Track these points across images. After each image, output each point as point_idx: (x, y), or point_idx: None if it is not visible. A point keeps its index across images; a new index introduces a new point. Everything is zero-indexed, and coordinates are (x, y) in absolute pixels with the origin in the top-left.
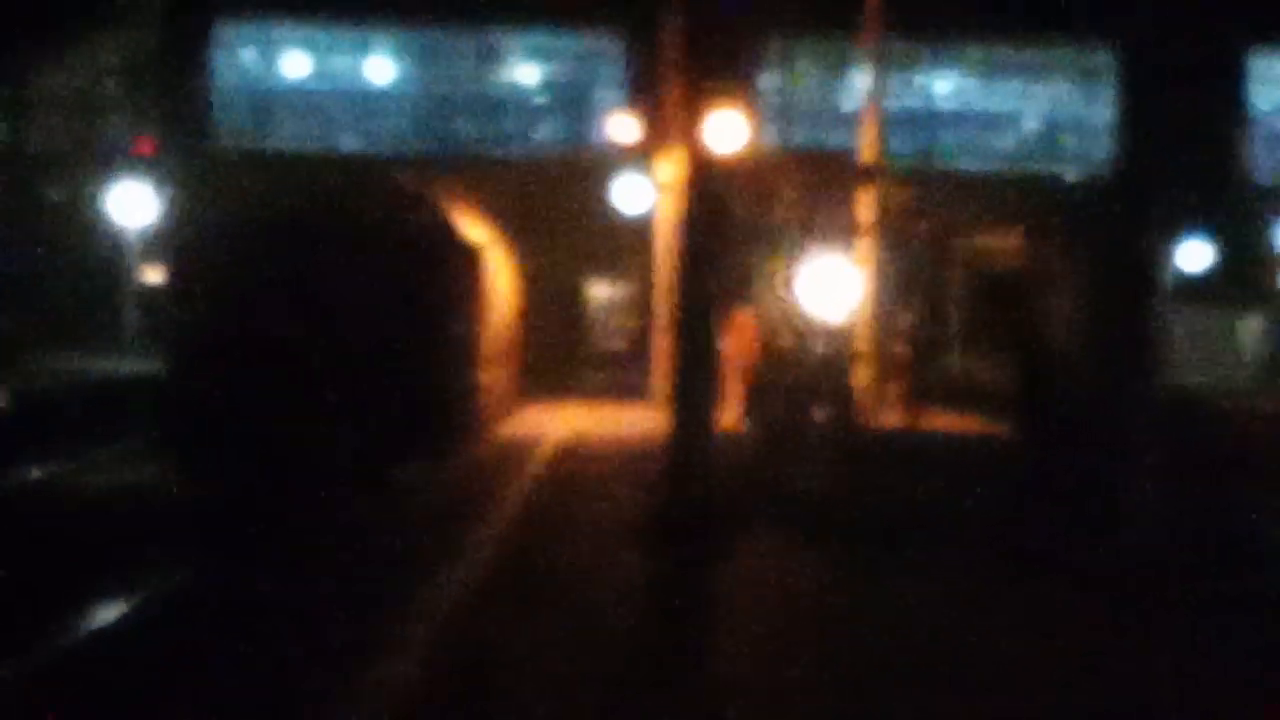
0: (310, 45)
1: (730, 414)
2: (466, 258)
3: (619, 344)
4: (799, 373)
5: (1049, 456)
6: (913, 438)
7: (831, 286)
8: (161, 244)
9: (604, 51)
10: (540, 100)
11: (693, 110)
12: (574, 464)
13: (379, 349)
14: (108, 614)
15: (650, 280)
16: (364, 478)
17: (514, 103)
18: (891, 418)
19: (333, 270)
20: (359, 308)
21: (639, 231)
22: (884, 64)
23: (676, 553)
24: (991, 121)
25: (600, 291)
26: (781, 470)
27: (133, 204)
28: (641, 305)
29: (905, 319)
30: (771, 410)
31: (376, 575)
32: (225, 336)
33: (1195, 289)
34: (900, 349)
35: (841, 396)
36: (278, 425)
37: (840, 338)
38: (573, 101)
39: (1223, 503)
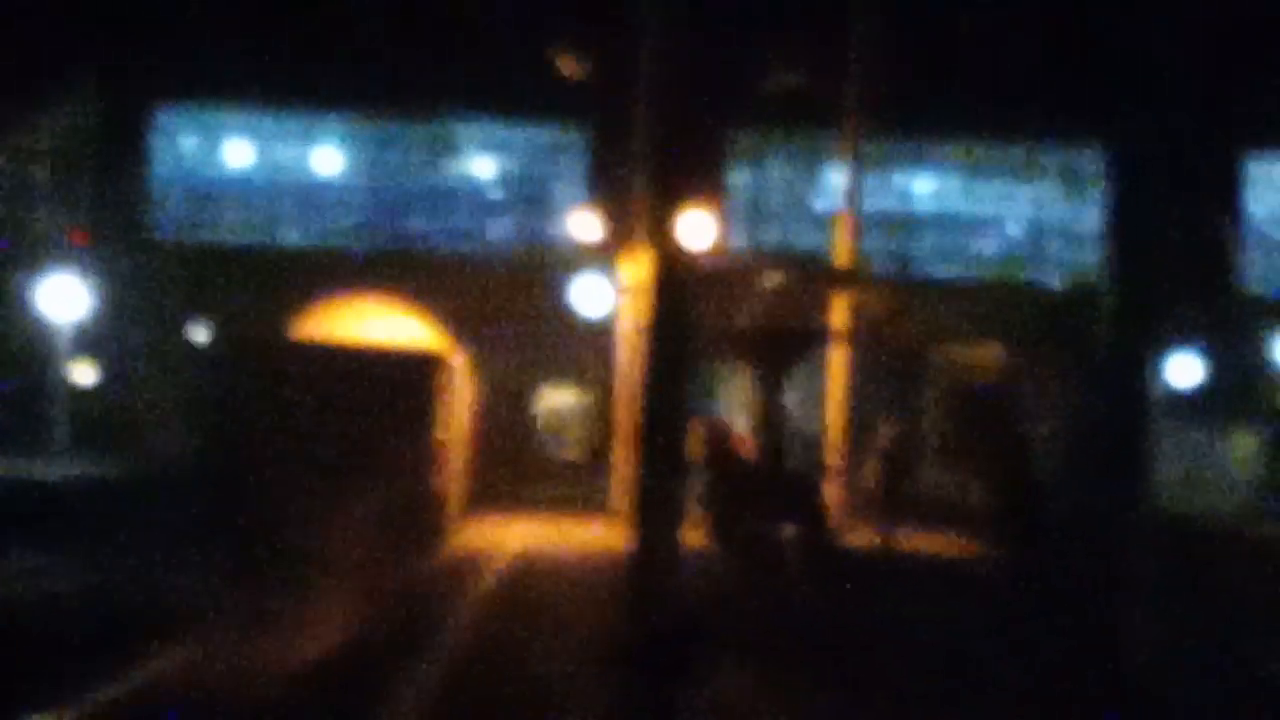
0: (254, 133)
1: (695, 529)
2: (432, 371)
3: (574, 454)
4: (768, 486)
5: (1031, 580)
6: (886, 557)
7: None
8: (92, 341)
9: (565, 145)
10: (496, 195)
11: (660, 208)
12: (529, 579)
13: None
14: None
15: (609, 387)
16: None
17: (468, 197)
18: (865, 536)
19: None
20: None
21: (597, 335)
22: (860, 163)
23: (638, 677)
24: (973, 225)
25: (555, 398)
26: (749, 590)
27: (64, 298)
28: (599, 413)
29: (880, 432)
30: (739, 526)
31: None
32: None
33: (1186, 405)
34: (874, 463)
35: (812, 512)
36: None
37: (812, 450)
38: (531, 197)
39: (1214, 629)
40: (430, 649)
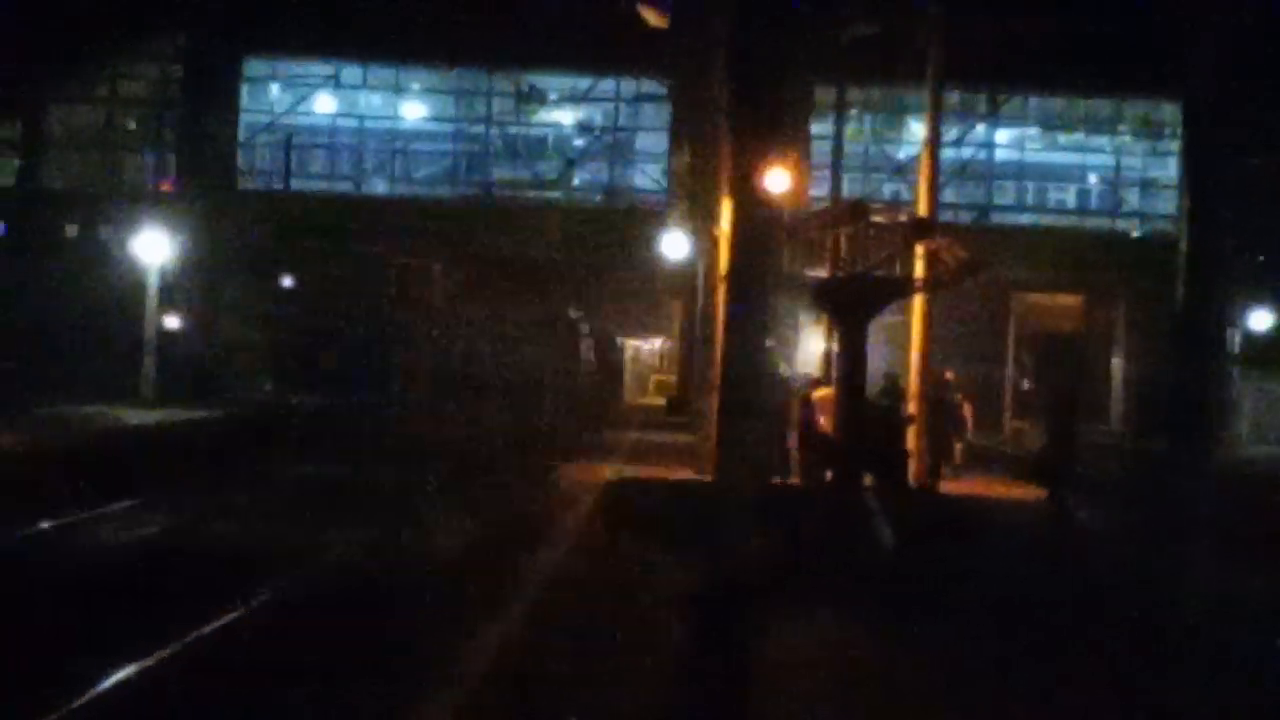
0: (340, 84)
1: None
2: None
3: (659, 399)
4: (852, 433)
5: (1096, 527)
6: (966, 503)
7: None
8: (182, 289)
9: (649, 96)
10: (581, 144)
11: (742, 158)
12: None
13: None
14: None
15: (691, 335)
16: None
17: (554, 146)
18: (945, 482)
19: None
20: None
21: (682, 284)
22: (941, 113)
23: (710, 622)
24: (1052, 175)
25: (643, 347)
26: (830, 533)
27: (153, 245)
28: (683, 362)
29: (962, 379)
30: (823, 471)
31: None
32: None
33: (1264, 354)
34: (955, 410)
35: (894, 459)
36: None
37: (894, 398)
38: (615, 147)
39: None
40: None
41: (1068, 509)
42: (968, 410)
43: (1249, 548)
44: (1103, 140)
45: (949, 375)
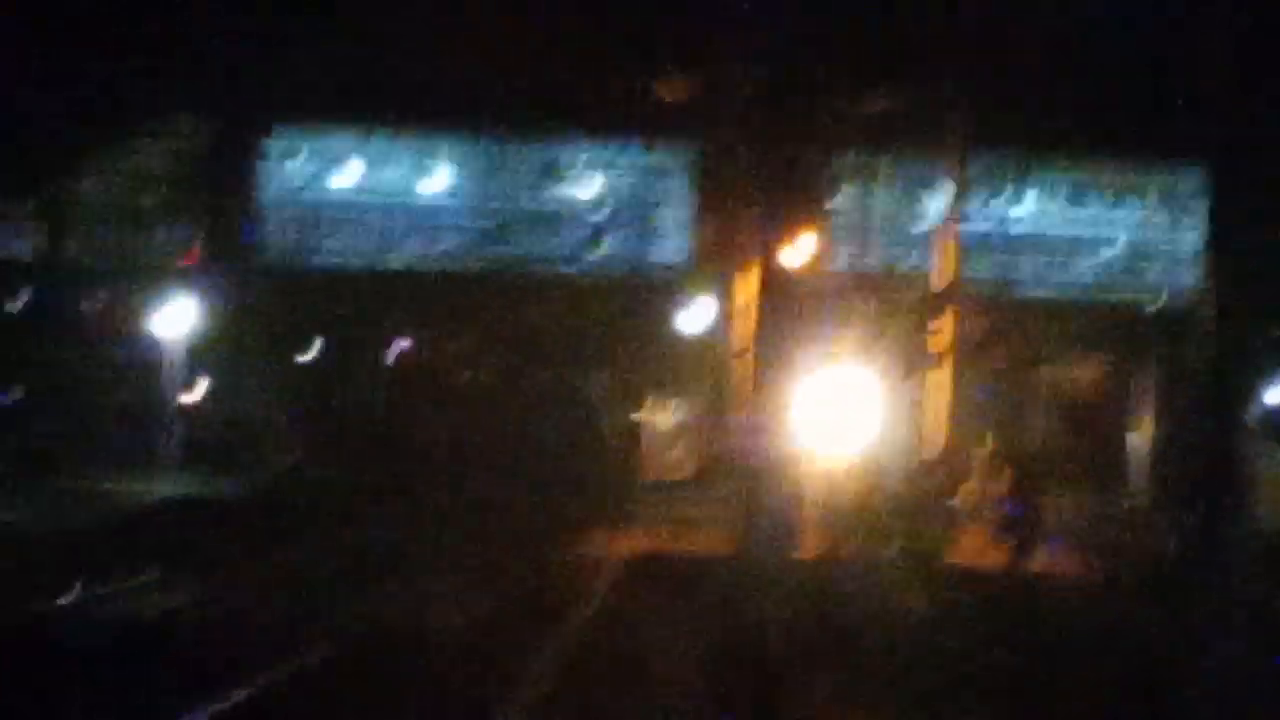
0: (361, 156)
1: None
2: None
3: (681, 473)
4: (878, 504)
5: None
6: (998, 578)
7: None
8: (202, 364)
9: (670, 168)
10: (601, 216)
11: (764, 230)
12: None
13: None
14: None
15: (712, 406)
16: None
17: (574, 219)
18: (976, 555)
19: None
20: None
21: (704, 356)
22: (961, 185)
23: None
24: (1072, 246)
25: (662, 419)
26: (855, 606)
27: (175, 319)
28: (706, 434)
29: (986, 451)
30: (852, 541)
31: None
32: None
33: None
34: (983, 483)
35: (923, 531)
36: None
37: (922, 468)
38: (635, 219)
39: None
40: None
41: (1028, 569)
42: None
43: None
44: (1122, 212)
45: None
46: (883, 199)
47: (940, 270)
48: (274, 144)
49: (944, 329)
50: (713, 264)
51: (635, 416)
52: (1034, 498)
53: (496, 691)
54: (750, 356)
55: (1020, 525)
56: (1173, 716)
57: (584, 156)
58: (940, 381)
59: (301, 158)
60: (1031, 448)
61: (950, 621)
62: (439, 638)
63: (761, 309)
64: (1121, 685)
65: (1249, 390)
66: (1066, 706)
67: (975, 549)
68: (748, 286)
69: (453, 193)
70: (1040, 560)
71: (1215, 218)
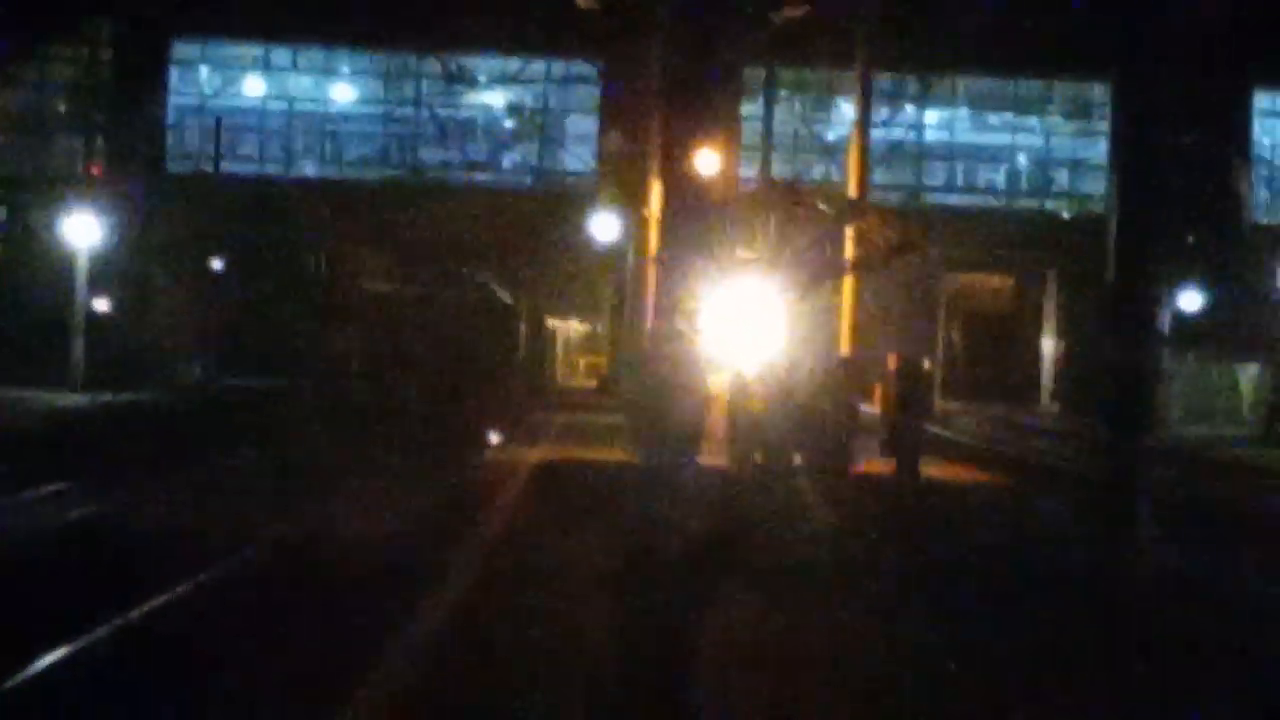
0: (270, 67)
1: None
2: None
3: (591, 380)
4: (780, 414)
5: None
6: (899, 485)
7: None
8: (110, 274)
9: (579, 78)
10: (511, 126)
11: (673, 140)
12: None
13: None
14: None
15: (621, 316)
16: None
17: (483, 128)
18: (875, 464)
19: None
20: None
21: (613, 264)
22: (871, 95)
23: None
24: (982, 156)
25: (573, 329)
26: (755, 514)
27: (81, 230)
28: (612, 342)
29: (890, 361)
30: (751, 451)
31: None
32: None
33: (1194, 335)
34: (885, 391)
35: (824, 441)
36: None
37: (827, 377)
38: (545, 128)
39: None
40: None
41: (915, 477)
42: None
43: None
44: (1032, 121)
45: (925, 364)
46: (791, 109)
47: (850, 179)
48: (181, 51)
49: (853, 238)
50: (622, 173)
51: (548, 325)
52: (920, 409)
53: (392, 608)
54: (660, 265)
55: (904, 437)
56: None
57: (491, 66)
58: (848, 291)
59: (208, 66)
60: (928, 357)
61: (847, 527)
62: (341, 553)
63: (669, 218)
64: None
65: (1154, 298)
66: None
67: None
68: (654, 197)
69: (361, 102)
70: (941, 469)
71: (1121, 130)
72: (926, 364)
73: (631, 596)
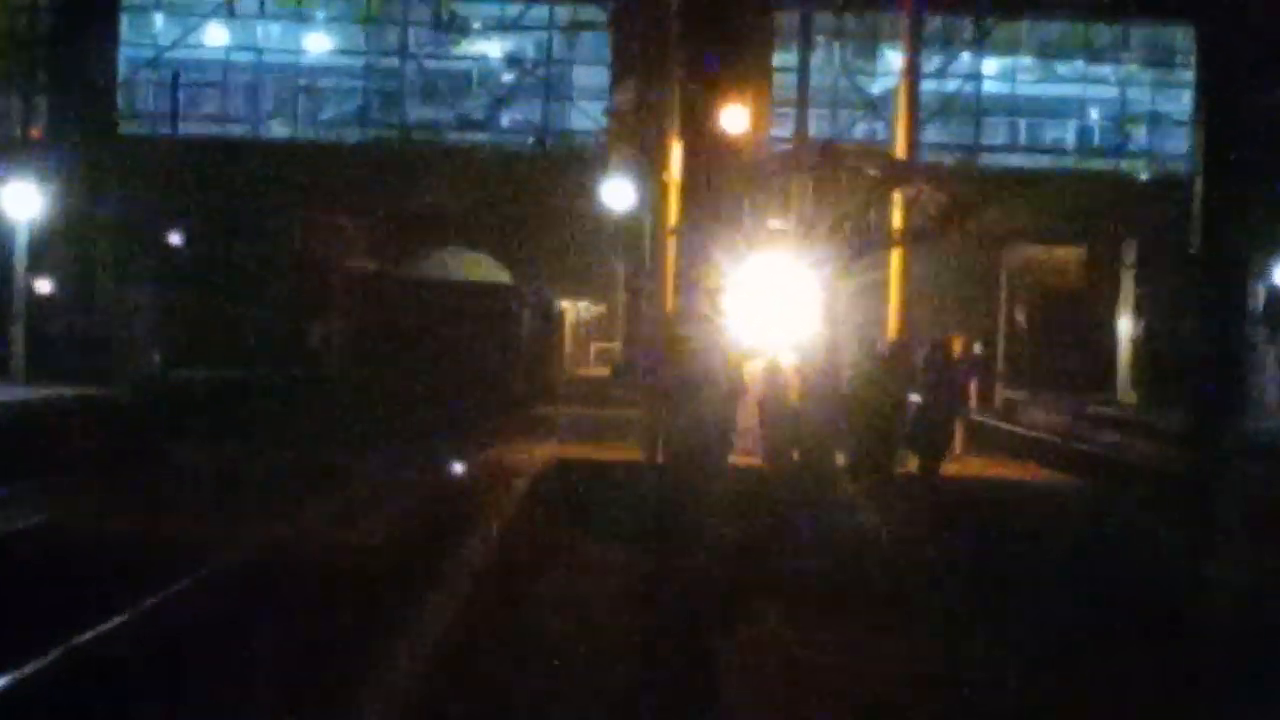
0: (234, 13)
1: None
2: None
3: (604, 368)
4: (822, 406)
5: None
6: (960, 485)
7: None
8: (53, 250)
9: (587, 23)
10: (510, 79)
11: (697, 94)
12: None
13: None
14: None
15: (637, 296)
16: None
17: (479, 82)
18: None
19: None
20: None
21: (623, 238)
22: (922, 41)
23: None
24: (1049, 110)
25: (578, 308)
26: (797, 520)
27: (22, 200)
28: (629, 326)
29: (948, 345)
30: (787, 449)
31: None
32: None
33: None
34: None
35: (870, 437)
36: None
37: (870, 365)
38: (549, 81)
39: None
40: None
41: (933, 475)
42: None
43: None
44: (1106, 70)
45: (976, 348)
46: (830, 58)
47: (898, 137)
48: None
49: (902, 205)
50: (637, 132)
51: (556, 307)
52: (950, 397)
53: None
54: (681, 238)
55: (933, 430)
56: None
57: (488, 11)
58: (897, 266)
59: (164, 14)
60: (983, 340)
61: (897, 537)
62: (324, 567)
63: (691, 185)
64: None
65: (1245, 270)
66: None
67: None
68: (675, 160)
69: (338, 52)
70: (1004, 467)
71: (1206, 80)
72: (978, 347)
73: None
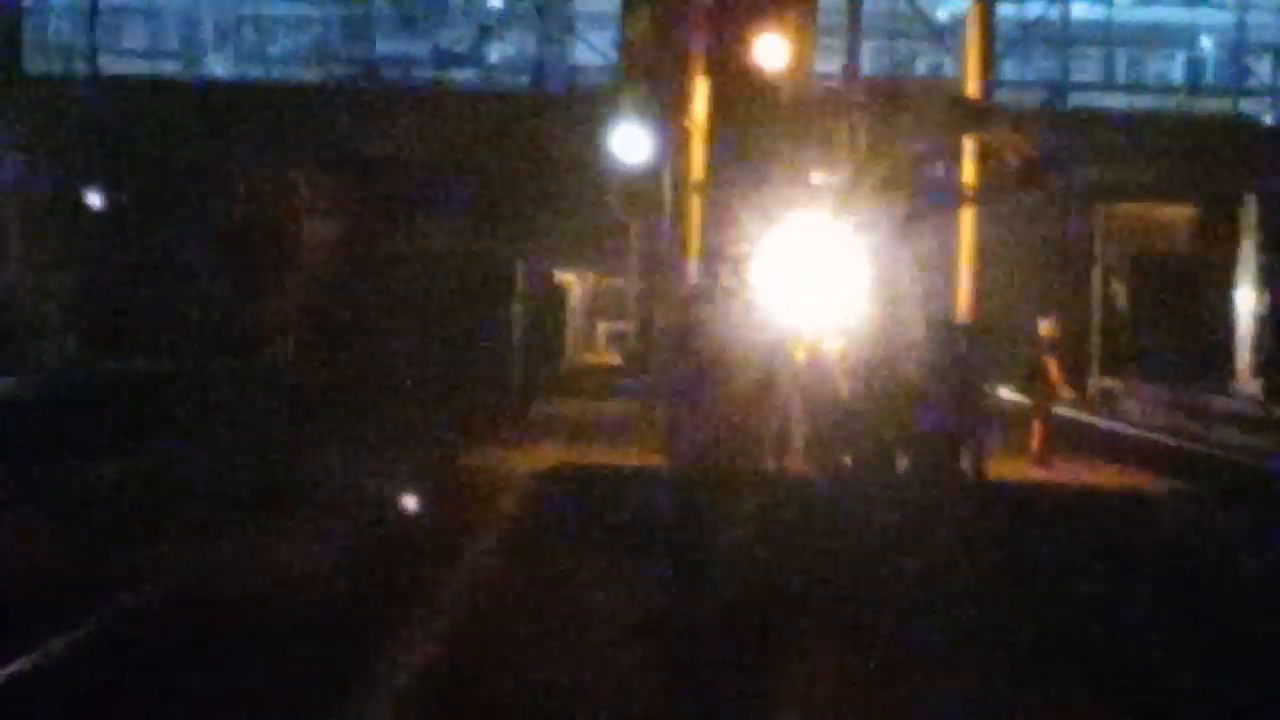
0: None
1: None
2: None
3: (610, 357)
4: (876, 401)
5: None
6: (1050, 494)
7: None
8: None
9: None
10: (499, 3)
11: (724, 22)
12: None
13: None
14: None
15: (653, 268)
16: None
17: (461, 8)
18: (1016, 465)
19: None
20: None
21: (642, 198)
22: None
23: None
24: (1151, 40)
25: (583, 282)
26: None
27: None
28: (644, 303)
29: (1033, 324)
30: (838, 452)
31: None
32: None
33: None
34: (1030, 365)
35: (937, 437)
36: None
37: (936, 350)
38: (545, 7)
39: None
40: None
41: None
42: (1054, 371)
43: None
44: None
45: (1044, 329)
46: None
47: (969, 73)
48: None
49: (973, 155)
50: (654, 68)
51: (555, 281)
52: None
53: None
54: (707, 194)
55: (968, 430)
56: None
57: None
58: (968, 229)
59: None
60: (1059, 316)
61: (976, 557)
62: (281, 599)
63: (718, 132)
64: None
65: None
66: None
67: (1027, 459)
68: (700, 100)
69: None
70: (1099, 473)
71: None
72: (1044, 327)
73: None
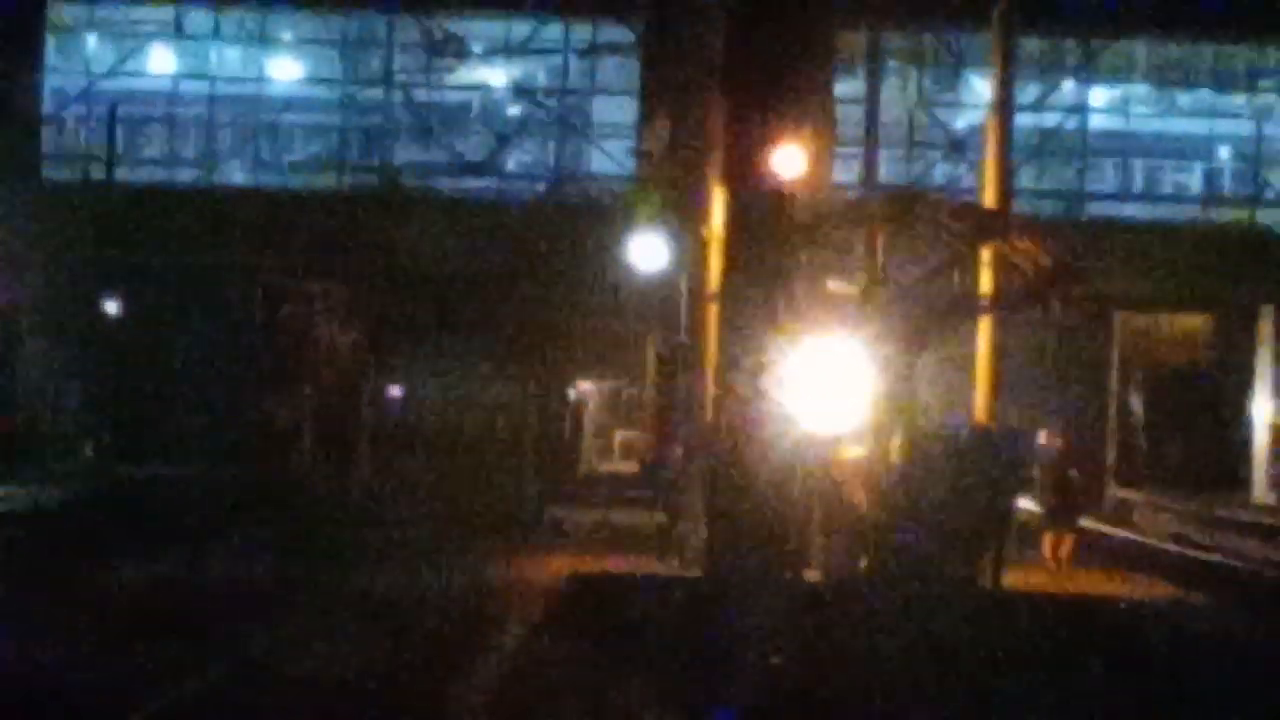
0: (183, 33)
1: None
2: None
3: (625, 465)
4: (892, 506)
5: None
6: (1070, 605)
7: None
8: None
9: (611, 46)
10: (517, 113)
11: (742, 132)
12: None
13: None
14: None
15: (671, 377)
16: None
17: (480, 117)
18: (1036, 575)
19: None
20: None
21: (658, 307)
22: (1015, 67)
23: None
24: (1169, 150)
25: (599, 391)
26: (883, 655)
27: None
28: (660, 412)
29: (1050, 435)
30: (852, 556)
31: None
32: None
33: None
34: (1050, 478)
35: (955, 542)
36: None
37: (970, 458)
38: (563, 116)
39: None
40: None
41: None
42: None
43: None
44: (1238, 101)
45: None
46: (904, 87)
47: (987, 183)
48: (61, 13)
49: (991, 264)
50: (671, 177)
51: (569, 391)
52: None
53: None
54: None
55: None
56: None
57: (491, 31)
58: (986, 337)
59: (99, 34)
60: (1069, 428)
61: (1016, 676)
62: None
63: (735, 241)
64: None
65: None
66: None
67: (1047, 569)
68: (717, 210)
69: (309, 81)
70: (1124, 584)
71: None
72: (1042, 437)
73: None
